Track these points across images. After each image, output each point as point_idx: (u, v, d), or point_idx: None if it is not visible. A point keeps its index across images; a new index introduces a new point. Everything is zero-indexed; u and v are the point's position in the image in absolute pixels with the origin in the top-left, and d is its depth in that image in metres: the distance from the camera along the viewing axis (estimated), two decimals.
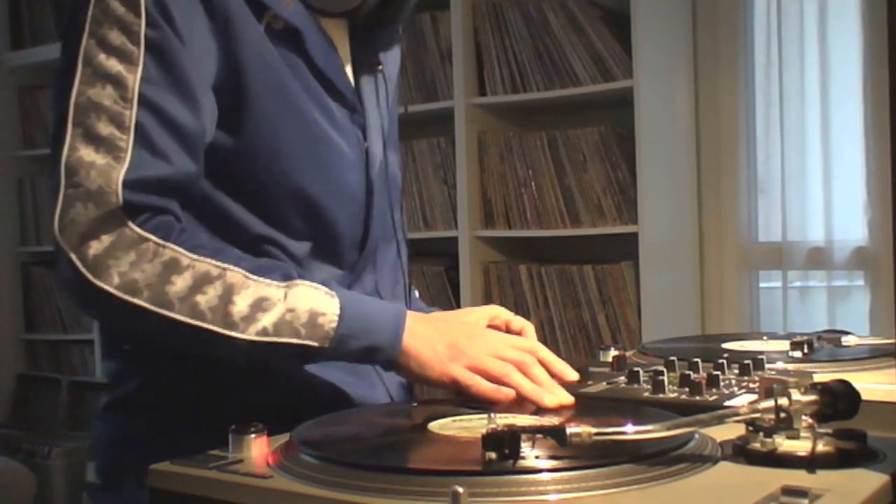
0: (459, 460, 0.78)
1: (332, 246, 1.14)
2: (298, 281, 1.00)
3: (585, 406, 1.02)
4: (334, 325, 0.99)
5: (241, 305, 0.97)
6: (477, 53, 2.98)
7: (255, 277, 0.98)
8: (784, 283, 2.74)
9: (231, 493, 0.76)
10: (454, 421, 0.91)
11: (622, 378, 1.11)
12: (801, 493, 0.66)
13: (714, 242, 2.84)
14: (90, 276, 0.95)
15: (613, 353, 1.24)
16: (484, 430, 0.75)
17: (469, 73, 2.96)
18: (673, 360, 1.13)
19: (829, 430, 0.78)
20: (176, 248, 0.97)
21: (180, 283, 0.96)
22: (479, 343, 1.04)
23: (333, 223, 1.13)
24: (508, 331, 1.18)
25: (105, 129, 0.96)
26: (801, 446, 0.77)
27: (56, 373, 3.92)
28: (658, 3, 2.74)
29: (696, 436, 0.82)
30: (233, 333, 0.96)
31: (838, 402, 0.79)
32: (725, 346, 1.34)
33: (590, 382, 1.10)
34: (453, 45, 2.96)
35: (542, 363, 1.05)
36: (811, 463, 0.75)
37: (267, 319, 0.97)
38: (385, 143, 1.20)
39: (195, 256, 0.97)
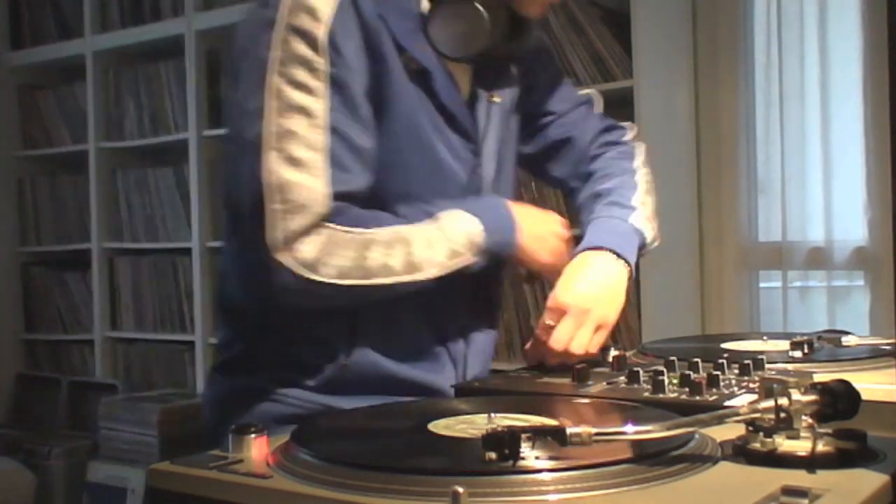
0: (459, 460, 0.79)
1: None
2: (441, 214, 1.21)
3: (585, 406, 1.02)
4: (483, 236, 1.21)
5: (417, 252, 1.18)
6: None
7: (417, 227, 1.19)
8: (784, 283, 2.74)
9: (231, 493, 0.76)
10: (454, 421, 0.91)
11: (622, 378, 1.11)
12: (801, 493, 0.66)
13: (714, 242, 2.84)
14: (310, 275, 1.12)
15: (613, 353, 1.24)
16: (484, 430, 0.75)
17: None
18: (673, 360, 1.13)
19: (829, 430, 0.78)
20: (364, 231, 1.16)
21: (374, 255, 1.15)
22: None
23: None
24: None
25: (301, 152, 1.12)
26: (801, 446, 0.77)
27: (56, 373, 3.91)
28: (658, 3, 2.74)
29: (696, 436, 0.82)
30: (419, 277, 1.18)
31: (838, 402, 0.79)
32: (725, 346, 1.34)
33: (590, 382, 1.10)
34: None
35: None
36: (811, 463, 0.75)
37: (440, 254, 1.19)
38: (498, 167, 1.35)
39: (377, 230, 1.16)
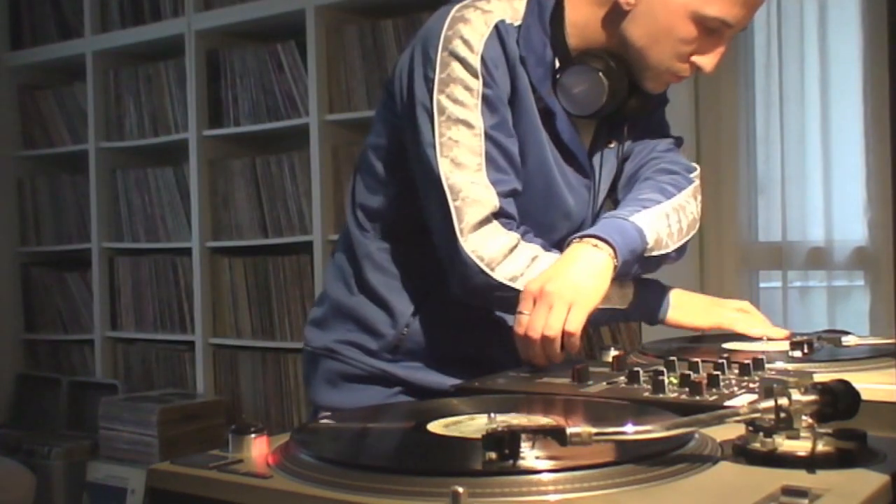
0: (459, 460, 0.78)
1: None
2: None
3: (585, 406, 1.02)
4: (632, 289, 1.42)
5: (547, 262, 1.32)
6: None
7: (551, 251, 1.35)
8: (784, 283, 2.74)
9: (231, 493, 0.76)
10: (454, 421, 0.91)
11: (622, 378, 1.11)
12: (801, 493, 0.66)
13: (714, 242, 2.84)
14: (488, 271, 1.29)
15: (613, 353, 1.24)
16: (484, 430, 0.75)
17: None
18: (673, 360, 1.13)
19: (829, 430, 0.78)
20: (530, 245, 1.33)
21: (536, 268, 1.30)
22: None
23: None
24: None
25: (465, 157, 1.31)
26: (801, 446, 0.77)
27: (56, 373, 3.91)
28: None
29: (696, 436, 0.82)
30: None
31: (838, 402, 0.79)
32: (725, 346, 1.34)
33: (590, 382, 1.10)
34: None
35: None
36: (811, 463, 0.75)
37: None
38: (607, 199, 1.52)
39: (540, 249, 1.33)
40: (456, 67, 1.31)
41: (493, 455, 0.72)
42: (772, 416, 0.78)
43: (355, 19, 3.16)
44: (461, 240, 1.30)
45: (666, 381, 1.03)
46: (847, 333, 1.38)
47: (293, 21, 3.18)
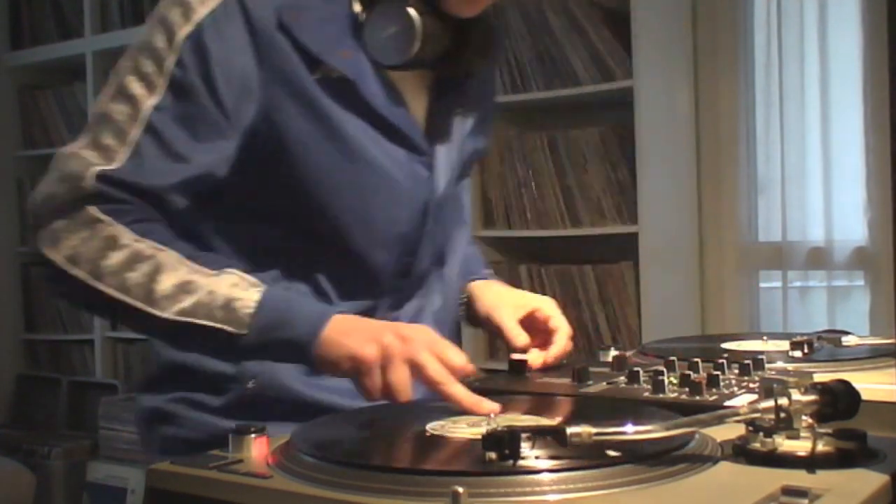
0: (459, 460, 0.78)
1: (369, 278, 1.18)
2: (228, 269, 1.04)
3: (585, 406, 1.02)
4: (250, 311, 1.01)
5: (165, 284, 1.02)
6: None
7: (189, 263, 1.04)
8: (784, 283, 2.74)
9: (231, 493, 0.76)
10: (454, 421, 0.91)
11: (622, 378, 1.11)
12: (801, 493, 0.66)
13: (714, 242, 2.84)
14: (43, 246, 1.04)
15: (613, 353, 1.24)
16: (484, 430, 0.75)
17: None
18: (673, 360, 1.13)
19: (829, 430, 0.78)
20: (121, 227, 1.03)
21: (115, 258, 1.02)
22: (413, 344, 1.01)
23: (371, 261, 1.17)
24: (546, 326, 1.28)
25: (108, 139, 1.06)
26: (801, 446, 0.77)
27: (56, 373, 3.91)
28: (658, 3, 2.74)
29: (696, 436, 0.82)
30: (153, 311, 1.02)
31: (838, 402, 0.79)
32: (725, 346, 1.34)
33: (590, 382, 1.10)
34: None
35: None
36: (811, 463, 0.75)
37: (188, 301, 1.02)
38: (452, 181, 1.24)
39: (136, 237, 1.04)
40: (157, 34, 1.08)
41: (493, 455, 0.72)
42: (772, 416, 0.78)
43: None
44: (31, 212, 1.08)
45: (666, 381, 1.03)
46: (847, 333, 1.38)
47: None
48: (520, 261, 2.96)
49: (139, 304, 1.02)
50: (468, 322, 1.38)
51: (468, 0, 1.15)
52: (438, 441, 0.84)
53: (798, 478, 0.72)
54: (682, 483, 0.73)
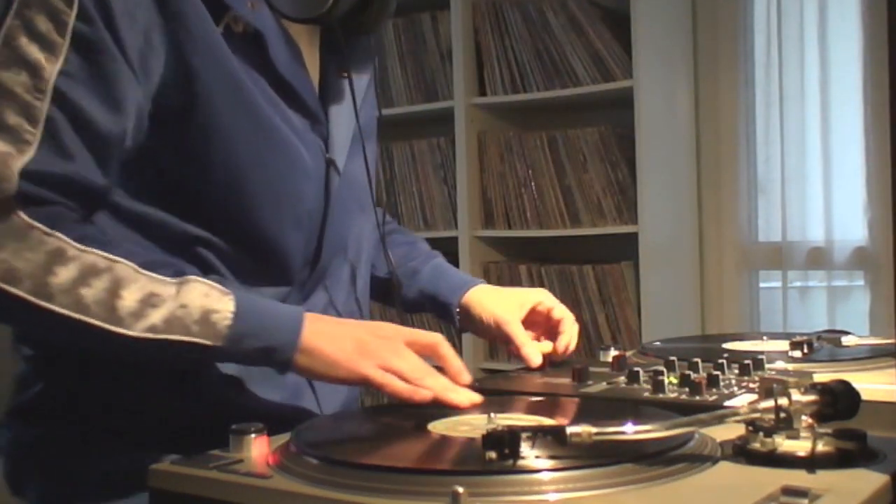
0: (459, 460, 0.78)
1: (278, 263, 1.10)
2: (191, 277, 0.96)
3: (585, 406, 1.02)
4: (228, 322, 0.94)
5: (128, 300, 0.92)
6: (477, 53, 2.98)
7: (145, 272, 0.94)
8: (784, 283, 2.74)
9: (231, 493, 0.76)
10: (454, 421, 0.91)
11: (622, 378, 1.11)
12: (801, 493, 0.66)
13: (714, 242, 2.84)
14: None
15: (613, 353, 1.24)
16: (484, 430, 0.75)
17: (469, 73, 2.96)
18: (673, 360, 1.13)
19: (829, 430, 0.78)
20: (62, 237, 0.92)
21: (64, 274, 0.91)
22: (388, 343, 0.99)
23: (281, 241, 1.09)
24: (549, 318, 1.32)
25: (13, 118, 0.91)
26: (801, 446, 0.76)
27: None
28: (658, 3, 2.74)
29: (696, 436, 0.82)
30: (119, 329, 0.92)
31: (838, 402, 0.79)
32: (725, 346, 1.34)
33: (590, 382, 1.10)
34: (453, 45, 2.96)
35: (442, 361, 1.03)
36: (811, 463, 0.74)
37: (156, 316, 0.92)
38: (351, 155, 1.16)
39: (82, 247, 0.92)
40: None
41: (493, 455, 0.72)
42: (772, 416, 0.78)
43: None
44: None
45: (666, 381, 1.03)
46: (847, 333, 1.38)
47: None
48: (520, 261, 2.96)
49: (100, 324, 0.91)
50: (468, 330, 1.36)
51: None
52: (438, 441, 0.84)
53: (798, 478, 0.72)
54: (682, 483, 0.73)
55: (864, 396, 0.81)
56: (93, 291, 0.91)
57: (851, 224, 2.64)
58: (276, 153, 1.05)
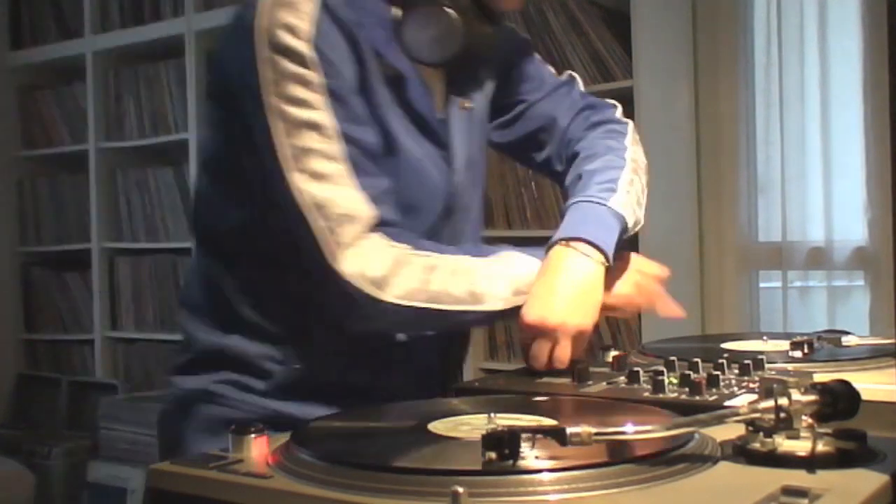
0: (459, 460, 0.78)
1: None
2: (503, 253, 1.21)
3: (585, 406, 1.02)
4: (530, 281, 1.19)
5: (482, 284, 1.17)
6: None
7: (477, 260, 1.18)
8: (784, 283, 2.74)
9: (231, 493, 0.76)
10: (454, 421, 0.91)
11: (622, 378, 1.11)
12: (801, 493, 0.66)
13: (714, 242, 2.84)
14: (377, 293, 1.12)
15: (613, 353, 1.24)
16: (484, 430, 0.75)
17: None
18: (673, 360, 1.13)
19: (829, 430, 0.78)
20: (423, 253, 1.16)
21: (438, 279, 1.14)
22: None
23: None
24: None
25: (322, 166, 1.12)
26: (801, 446, 0.77)
27: (56, 373, 3.91)
28: (658, 3, 2.74)
29: (696, 436, 0.82)
30: (482, 308, 1.16)
31: (838, 402, 0.79)
32: (725, 346, 1.34)
33: (590, 382, 1.10)
34: None
35: None
36: (811, 463, 0.75)
37: (503, 289, 1.18)
38: (470, 175, 1.33)
39: (437, 255, 1.16)
40: (285, 63, 1.11)
41: (493, 455, 0.72)
42: (772, 416, 0.78)
43: None
44: (337, 264, 1.11)
45: (666, 381, 1.03)
46: (847, 333, 1.38)
47: None
48: None
49: (471, 308, 1.16)
50: None
51: None
52: (438, 441, 0.84)
53: (798, 478, 0.72)
54: (682, 483, 0.73)
55: (864, 396, 0.81)
56: (459, 286, 1.16)
57: (851, 224, 2.64)
58: (405, 176, 1.22)
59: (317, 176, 1.12)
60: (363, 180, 1.14)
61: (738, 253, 2.80)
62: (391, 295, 1.12)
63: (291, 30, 1.11)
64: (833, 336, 1.35)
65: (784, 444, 0.77)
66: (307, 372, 1.21)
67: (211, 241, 1.27)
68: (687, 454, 0.78)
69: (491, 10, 1.26)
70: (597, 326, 1.22)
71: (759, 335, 1.41)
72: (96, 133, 3.76)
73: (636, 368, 1.09)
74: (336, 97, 1.13)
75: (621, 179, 1.30)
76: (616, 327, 2.72)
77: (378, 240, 1.13)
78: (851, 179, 2.62)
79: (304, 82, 1.12)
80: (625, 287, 1.27)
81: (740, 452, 0.79)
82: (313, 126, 1.12)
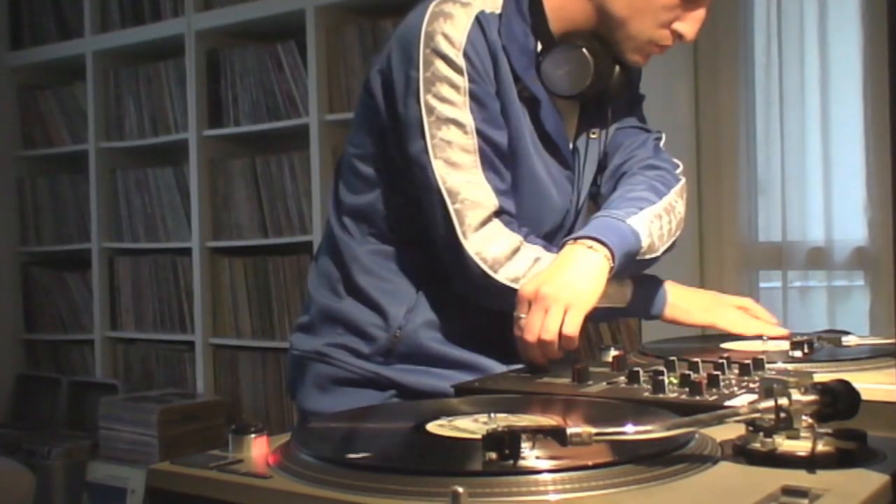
0: (459, 460, 0.78)
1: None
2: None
3: (585, 406, 1.02)
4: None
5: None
6: None
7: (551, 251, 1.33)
8: (784, 283, 2.74)
9: (231, 493, 0.76)
10: (454, 421, 0.91)
11: (622, 378, 1.11)
12: (801, 493, 0.66)
13: (714, 242, 2.84)
14: (492, 273, 1.29)
15: (613, 353, 1.24)
16: (484, 430, 0.75)
17: None
18: (673, 360, 1.13)
19: (829, 430, 0.78)
20: (532, 245, 1.33)
21: (538, 269, 1.29)
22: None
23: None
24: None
25: (459, 157, 1.31)
26: (801, 446, 0.77)
27: (56, 373, 3.91)
28: None
29: (696, 436, 0.82)
30: None
31: (838, 402, 0.79)
32: (725, 346, 1.34)
33: (590, 382, 1.10)
34: None
35: None
36: (811, 463, 0.75)
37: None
38: (585, 198, 1.49)
39: (542, 249, 1.33)
40: (440, 65, 1.30)
41: (493, 455, 0.72)
42: (772, 416, 0.78)
43: (355, 19, 3.16)
44: (464, 242, 1.30)
45: (666, 381, 1.03)
46: (847, 333, 1.38)
47: (293, 21, 3.18)
48: None
49: None
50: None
51: (643, 56, 1.47)
52: (438, 441, 0.84)
53: (798, 478, 0.72)
54: (682, 483, 0.73)
55: (864, 396, 0.81)
56: (532, 271, 1.29)
57: (851, 224, 2.63)
58: (534, 193, 1.39)
59: (454, 165, 1.30)
60: (491, 174, 1.32)
61: (738, 253, 2.80)
62: (503, 276, 1.30)
63: (449, 38, 1.30)
64: (833, 336, 1.35)
65: (784, 444, 0.77)
66: (409, 340, 1.36)
67: (342, 216, 1.44)
68: (687, 454, 0.78)
69: (622, 58, 1.44)
70: (585, 323, 1.25)
71: (759, 335, 1.41)
72: (96, 133, 3.76)
73: (636, 368, 1.10)
74: (477, 100, 1.31)
75: (649, 210, 1.37)
76: (616, 327, 2.72)
77: (499, 226, 1.31)
78: (851, 179, 2.62)
79: (453, 84, 1.31)
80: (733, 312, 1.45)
81: (740, 452, 0.79)
82: (456, 123, 1.31)
